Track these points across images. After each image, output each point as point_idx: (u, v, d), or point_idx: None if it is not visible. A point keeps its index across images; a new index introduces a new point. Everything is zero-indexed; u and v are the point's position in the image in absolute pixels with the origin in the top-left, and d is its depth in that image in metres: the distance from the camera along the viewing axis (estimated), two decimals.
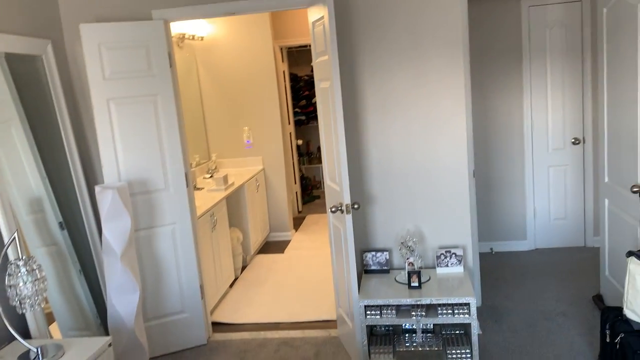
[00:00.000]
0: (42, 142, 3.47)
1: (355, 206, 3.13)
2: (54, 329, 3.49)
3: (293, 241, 6.05)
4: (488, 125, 4.93)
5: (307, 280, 4.83)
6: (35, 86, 3.47)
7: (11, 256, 2.74)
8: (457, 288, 3.22)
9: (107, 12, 3.57)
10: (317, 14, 3.18)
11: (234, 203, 5.31)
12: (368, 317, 3.20)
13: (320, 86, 3.36)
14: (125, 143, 3.48)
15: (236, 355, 3.64)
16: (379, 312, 3.20)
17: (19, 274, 2.39)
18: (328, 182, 3.45)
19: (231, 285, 4.84)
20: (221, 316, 4.21)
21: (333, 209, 3.17)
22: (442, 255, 3.47)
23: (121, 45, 3.40)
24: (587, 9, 4.66)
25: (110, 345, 2.67)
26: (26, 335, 2.82)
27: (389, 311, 3.19)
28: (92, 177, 3.77)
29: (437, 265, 3.48)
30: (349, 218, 3.11)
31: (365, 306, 3.19)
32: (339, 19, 3.39)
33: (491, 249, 5.11)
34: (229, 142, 6.02)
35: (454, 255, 3.46)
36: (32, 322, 2.80)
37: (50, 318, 3.41)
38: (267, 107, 5.91)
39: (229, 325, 4.08)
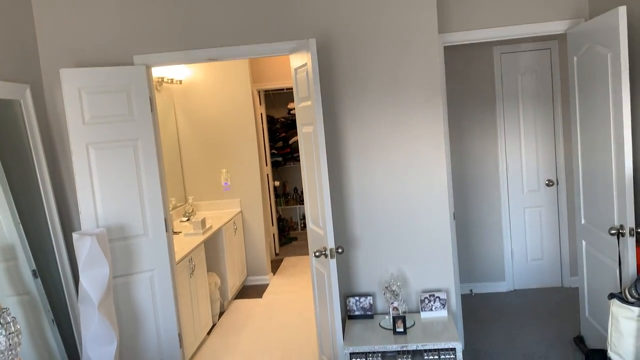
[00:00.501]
0: (17, 187, 3.38)
1: (340, 250, 3.11)
2: None
3: (271, 285, 5.95)
4: (465, 168, 5.02)
5: (287, 325, 4.73)
6: (12, 131, 3.41)
7: None
8: (442, 333, 3.20)
9: (87, 57, 3.56)
10: (300, 61, 3.23)
11: (211, 247, 5.23)
12: None
13: (302, 130, 3.38)
14: (104, 188, 3.41)
15: None
16: (364, 359, 3.14)
17: None
18: (311, 226, 3.43)
19: (209, 333, 4.71)
20: None
21: (317, 254, 3.15)
22: (426, 299, 3.46)
23: (102, 89, 3.38)
24: (556, 56, 4.86)
25: None
26: None
27: (375, 358, 3.14)
28: (68, 224, 3.68)
29: (421, 309, 3.46)
30: (333, 263, 3.08)
31: (350, 353, 3.14)
32: (321, 64, 3.46)
33: (471, 290, 5.12)
34: (206, 185, 5.97)
35: (437, 299, 3.45)
36: None
37: None
38: (245, 149, 5.91)
39: None
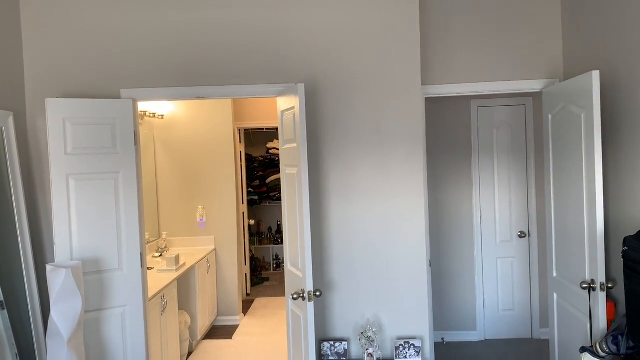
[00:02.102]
0: None
1: (318, 294, 3.11)
2: None
3: (241, 326, 5.85)
4: (440, 216, 5.11)
5: None
6: None
7: None
8: None
9: (74, 88, 3.56)
10: (287, 104, 3.29)
11: (183, 284, 5.14)
12: None
13: (286, 172, 3.42)
14: (81, 220, 3.36)
15: None
16: None
17: None
18: (289, 267, 3.43)
19: None
20: None
21: (295, 296, 3.13)
22: (400, 347, 3.45)
23: (87, 121, 3.37)
24: (530, 112, 5.06)
25: None
26: None
27: None
28: (40, 255, 3.59)
29: (396, 356, 3.45)
30: (310, 306, 3.07)
31: None
32: (307, 109, 3.52)
33: (442, 338, 5.12)
34: (181, 221, 5.92)
35: (412, 347, 3.45)
36: None
37: None
38: (223, 187, 5.90)
39: None
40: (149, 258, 5.27)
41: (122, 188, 3.47)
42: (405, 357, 3.43)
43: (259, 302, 6.79)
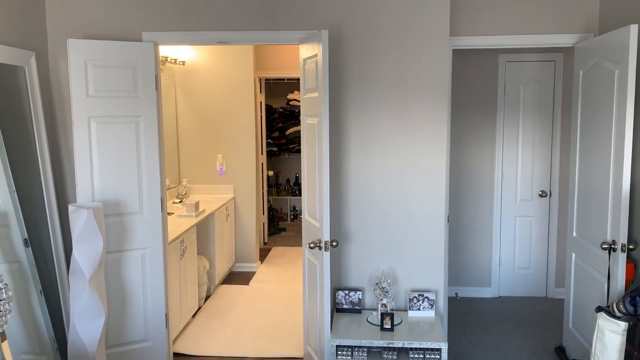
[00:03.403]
0: (15, 154, 3.35)
1: (334, 243, 3.12)
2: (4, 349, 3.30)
3: (258, 273, 5.96)
4: (460, 172, 5.05)
5: (272, 314, 4.75)
6: (13, 97, 3.37)
7: None
8: (428, 332, 3.23)
9: (96, 29, 3.52)
10: (309, 52, 3.22)
11: (202, 231, 5.22)
12: (339, 357, 3.16)
13: (307, 122, 3.39)
14: (103, 162, 3.39)
15: None
16: (350, 352, 3.17)
17: None
18: (307, 217, 3.44)
19: (194, 315, 4.71)
20: (183, 347, 4.08)
21: (311, 245, 3.16)
22: (414, 299, 3.48)
23: (108, 63, 3.35)
24: (560, 69, 4.90)
25: None
26: None
27: (360, 352, 3.16)
28: (62, 196, 3.65)
29: (409, 308, 3.48)
30: (326, 255, 3.10)
31: (337, 346, 3.16)
32: (330, 58, 3.45)
33: (456, 293, 5.16)
34: (202, 168, 5.95)
35: (426, 299, 3.48)
36: None
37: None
38: (242, 136, 5.89)
39: (191, 357, 3.95)
40: (169, 204, 5.34)
41: (143, 132, 3.48)
42: (419, 309, 3.47)
43: (275, 251, 6.89)
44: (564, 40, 3.68)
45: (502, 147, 5.01)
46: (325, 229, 3.09)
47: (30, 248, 3.39)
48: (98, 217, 3.01)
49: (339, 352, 3.16)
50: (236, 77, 5.82)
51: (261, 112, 6.88)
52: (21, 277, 3.35)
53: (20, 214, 3.35)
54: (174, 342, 4.10)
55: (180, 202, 5.45)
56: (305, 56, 3.32)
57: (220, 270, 5.45)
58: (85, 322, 2.98)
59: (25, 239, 3.36)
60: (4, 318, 2.33)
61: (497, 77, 4.96)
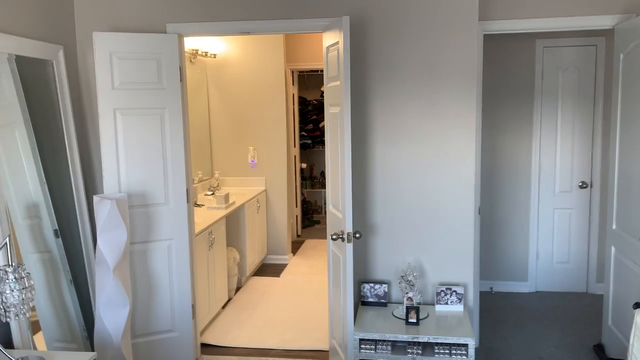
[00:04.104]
0: (45, 147, 3.43)
1: (357, 235, 3.06)
2: (39, 338, 3.39)
3: (290, 265, 5.95)
4: (495, 163, 4.88)
5: (301, 306, 4.72)
6: (42, 90, 3.44)
7: (1, 262, 2.66)
8: (455, 327, 3.12)
9: (122, 22, 3.56)
10: (332, 39, 3.16)
11: (233, 222, 5.24)
12: (362, 351, 3.10)
13: (330, 111, 3.32)
14: (129, 154, 3.43)
15: None
16: (373, 346, 3.10)
17: (7, 281, 2.31)
18: (330, 209, 3.38)
19: (224, 306, 4.74)
20: (211, 337, 4.10)
21: (334, 237, 3.10)
22: (442, 292, 3.38)
23: (133, 55, 3.37)
24: (602, 54, 4.65)
25: None
26: (8, 344, 2.72)
27: (384, 346, 3.09)
28: (91, 187, 3.72)
29: (437, 302, 3.38)
30: (349, 247, 3.03)
31: (360, 339, 3.09)
32: (354, 46, 3.37)
33: (491, 288, 5.01)
34: (233, 161, 5.98)
35: (454, 293, 3.37)
36: (16, 331, 2.71)
37: (35, 327, 3.32)
38: (273, 129, 5.88)
39: (218, 348, 3.97)
40: (201, 196, 5.39)
41: (168, 124, 3.50)
42: (447, 303, 3.36)
43: (308, 243, 6.87)
44: (603, 22, 3.48)
45: (540, 137, 4.81)
46: (347, 220, 3.02)
47: (60, 238, 3.47)
48: (122, 208, 3.04)
49: (362, 346, 3.10)
50: (267, 69, 5.80)
51: (294, 104, 6.85)
52: (52, 267, 3.43)
53: (51, 205, 3.43)
54: (202, 332, 4.13)
55: (212, 194, 5.49)
56: (328, 44, 3.26)
57: (251, 262, 5.46)
58: (110, 312, 3.02)
59: (55, 230, 3.44)
60: (26, 306, 2.37)
61: (534, 63, 4.75)
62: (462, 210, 3.43)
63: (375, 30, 3.37)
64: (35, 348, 3.12)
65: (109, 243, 2.97)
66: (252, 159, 5.93)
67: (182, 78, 3.53)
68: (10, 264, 2.36)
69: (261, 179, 5.95)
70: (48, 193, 3.42)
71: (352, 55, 3.37)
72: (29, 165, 3.34)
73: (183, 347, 3.66)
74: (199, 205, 4.96)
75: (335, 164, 3.24)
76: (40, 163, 3.38)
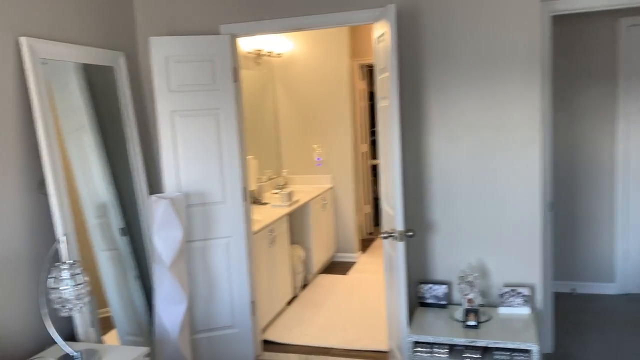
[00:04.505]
0: (110, 149, 3.60)
1: (410, 234, 2.93)
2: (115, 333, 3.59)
3: (358, 263, 5.87)
4: (573, 155, 4.51)
5: (367, 305, 4.63)
6: (107, 96, 3.61)
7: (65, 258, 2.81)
8: (519, 332, 2.91)
9: (178, 25, 3.66)
10: (380, 30, 3.05)
11: (298, 220, 5.25)
12: (417, 353, 2.97)
13: (380, 105, 3.21)
14: (187, 155, 3.51)
15: None
16: (430, 349, 2.96)
17: (62, 278, 2.44)
18: (384, 206, 3.28)
19: (289, 303, 4.76)
20: (273, 334, 4.13)
21: (385, 235, 2.99)
22: (506, 294, 3.16)
23: (188, 58, 3.45)
24: None
25: (148, 356, 2.65)
26: (72, 337, 2.88)
27: (441, 350, 2.94)
28: (155, 187, 3.85)
29: (500, 304, 3.17)
30: (401, 246, 2.91)
31: (414, 342, 2.97)
32: (405, 35, 3.24)
33: (573, 289, 4.64)
34: (301, 159, 6.00)
35: (519, 295, 3.14)
36: (80, 325, 2.85)
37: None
38: (339, 125, 5.82)
39: (280, 345, 3.98)
40: (268, 194, 5.46)
41: (223, 124, 3.55)
42: (511, 305, 3.14)
43: (379, 241, 6.74)
44: None
45: (628, 123, 4.38)
46: (398, 217, 2.90)
47: (126, 237, 3.63)
48: (177, 207, 3.12)
49: (418, 349, 2.97)
50: (332, 66, 5.76)
51: (363, 100, 6.75)
52: (120, 264, 3.59)
53: (117, 204, 3.60)
54: (265, 329, 4.17)
55: (279, 192, 5.54)
56: (377, 35, 3.15)
57: (318, 260, 5.44)
58: (168, 308, 3.11)
59: (121, 228, 3.61)
60: (79, 302, 2.48)
61: (617, 44, 4.33)
62: (527, 205, 3.19)
63: (428, 17, 3.21)
64: (101, 341, 3.29)
65: (164, 241, 3.06)
66: (318, 157, 5.91)
67: (235, 79, 3.57)
68: (65, 261, 2.48)
69: (328, 176, 5.92)
70: (114, 193, 3.59)
71: (403, 46, 3.24)
72: (96, 167, 3.52)
73: (243, 343, 3.71)
74: (264, 204, 5.01)
75: (386, 159, 3.13)
76: (107, 165, 3.56)
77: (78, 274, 2.47)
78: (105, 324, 3.66)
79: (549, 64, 3.28)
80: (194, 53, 3.45)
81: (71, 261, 2.49)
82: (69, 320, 2.90)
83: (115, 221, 3.61)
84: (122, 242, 3.62)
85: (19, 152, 2.74)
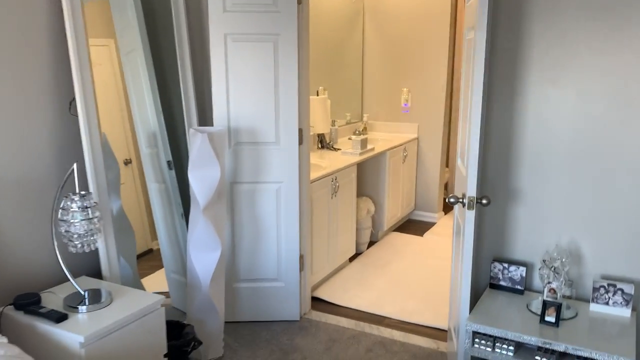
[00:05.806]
0: (163, 75, 3.30)
1: (484, 201, 2.36)
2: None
3: (437, 225, 5.30)
4: None
5: (437, 273, 4.11)
6: (162, 15, 3.28)
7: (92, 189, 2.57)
8: (612, 339, 2.28)
9: None
10: None
11: (372, 171, 4.75)
12: (475, 346, 2.44)
13: (466, 37, 2.58)
14: (238, 86, 3.12)
15: (323, 343, 3.17)
16: (491, 343, 2.42)
17: (71, 210, 2.19)
18: (458, 163, 2.70)
19: (351, 259, 4.36)
20: (326, 293, 3.77)
21: (452, 199, 2.44)
22: (602, 288, 2.51)
23: None
24: None
25: (163, 305, 2.39)
26: (98, 274, 2.69)
27: (506, 347, 2.39)
28: (207, 120, 3.52)
29: (593, 299, 2.53)
30: (470, 215, 2.36)
31: (474, 332, 2.44)
32: None
33: None
34: (386, 104, 5.42)
35: (620, 292, 2.47)
36: (104, 262, 2.64)
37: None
38: (433, 70, 5.14)
39: (331, 305, 3.62)
40: (344, 140, 5.00)
41: (282, 54, 3.09)
42: (606, 303, 2.49)
43: None
44: None
45: None
46: (470, 180, 2.33)
47: (173, 170, 3.37)
48: (216, 143, 2.76)
49: (477, 340, 2.44)
50: (430, 3, 5.03)
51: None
52: (167, 199, 3.37)
53: (166, 136, 3.33)
54: (318, 286, 3.83)
55: (353, 138, 5.06)
56: None
57: (391, 216, 4.95)
58: (200, 254, 2.82)
59: (168, 161, 3.35)
60: (92, 237, 2.24)
61: None
62: None
63: None
64: (136, 278, 3.11)
65: (200, 180, 2.73)
66: (406, 102, 5.31)
67: (300, 0, 3.06)
68: (77, 192, 2.23)
69: (413, 125, 5.31)
70: (164, 123, 3.32)
71: None
72: (148, 93, 3.25)
73: (289, 298, 3.39)
74: (335, 149, 4.57)
75: (466, 103, 2.52)
76: (159, 92, 3.27)
77: (88, 207, 2.21)
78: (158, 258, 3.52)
79: None
80: None
81: (83, 193, 2.22)
82: (94, 257, 2.70)
83: (164, 153, 3.36)
84: (170, 176, 3.38)
85: (51, 68, 2.49)
